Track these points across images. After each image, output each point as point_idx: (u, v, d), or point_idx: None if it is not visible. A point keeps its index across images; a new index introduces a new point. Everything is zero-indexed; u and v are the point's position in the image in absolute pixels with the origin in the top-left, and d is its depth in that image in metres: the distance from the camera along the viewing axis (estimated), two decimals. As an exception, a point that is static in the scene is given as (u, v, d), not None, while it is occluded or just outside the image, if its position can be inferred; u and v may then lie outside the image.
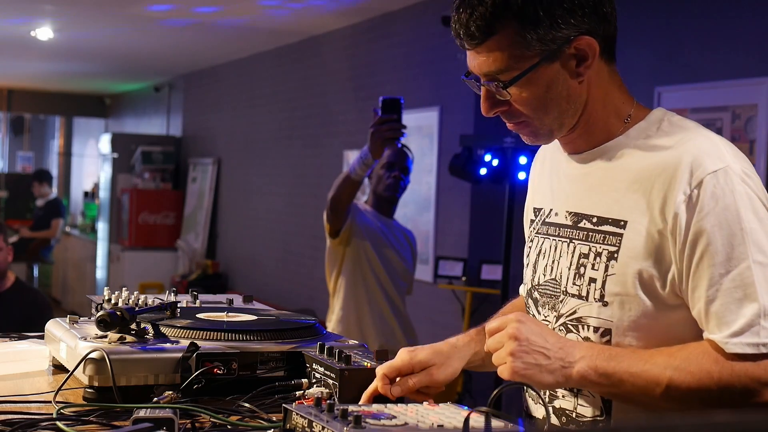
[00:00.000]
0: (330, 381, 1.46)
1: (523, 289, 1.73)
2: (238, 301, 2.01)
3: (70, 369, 1.51)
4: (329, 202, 3.47)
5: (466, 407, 1.34)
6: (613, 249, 1.45)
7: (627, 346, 1.45)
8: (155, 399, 1.40)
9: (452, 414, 1.29)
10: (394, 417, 1.24)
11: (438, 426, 1.22)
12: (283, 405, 1.31)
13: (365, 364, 1.48)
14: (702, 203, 1.38)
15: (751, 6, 4.21)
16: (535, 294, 1.60)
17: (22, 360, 1.80)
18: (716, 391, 1.35)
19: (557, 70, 1.45)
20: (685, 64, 4.42)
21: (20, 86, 13.19)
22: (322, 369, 1.50)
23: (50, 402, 1.45)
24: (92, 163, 13.95)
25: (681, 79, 4.42)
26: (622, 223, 1.46)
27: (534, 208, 1.67)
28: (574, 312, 1.51)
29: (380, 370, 1.50)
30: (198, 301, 1.94)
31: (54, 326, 1.72)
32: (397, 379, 1.50)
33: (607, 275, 1.46)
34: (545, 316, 1.56)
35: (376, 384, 1.48)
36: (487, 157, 4.74)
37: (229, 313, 1.77)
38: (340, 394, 1.43)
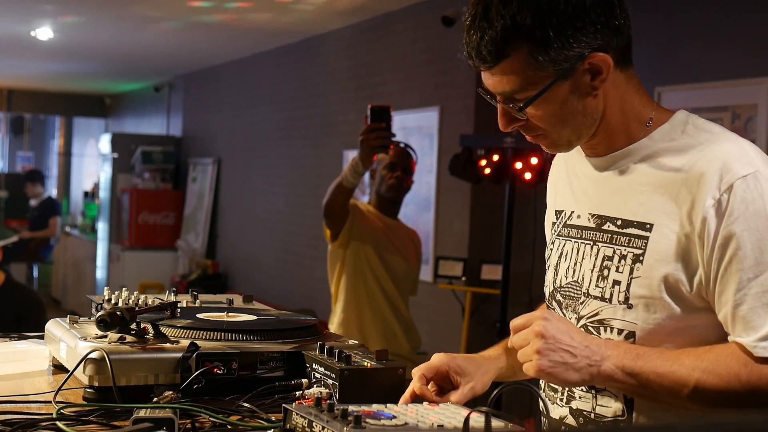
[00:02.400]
0: (330, 381, 1.46)
1: (546, 292, 1.74)
2: (238, 301, 2.01)
3: (70, 369, 1.51)
4: (323, 208, 3.48)
5: (466, 407, 1.34)
6: (639, 252, 1.46)
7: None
8: (155, 399, 1.40)
9: (452, 414, 1.29)
10: (394, 417, 1.24)
11: (438, 426, 1.22)
12: (283, 405, 1.31)
13: (365, 364, 1.48)
14: (732, 207, 1.38)
15: (751, 6, 4.21)
16: (558, 296, 1.60)
17: (22, 360, 1.80)
18: (744, 393, 1.36)
19: (572, 87, 1.45)
20: (685, 64, 4.42)
21: (20, 86, 13.19)
22: (322, 369, 1.50)
23: (50, 402, 1.45)
24: (92, 163, 13.95)
25: (681, 79, 4.42)
26: (648, 226, 1.46)
27: (555, 211, 1.67)
28: (597, 314, 1.51)
29: (417, 371, 1.52)
30: (198, 301, 1.94)
31: (54, 326, 1.72)
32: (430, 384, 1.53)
33: (632, 278, 1.46)
34: (568, 318, 1.56)
35: (413, 386, 1.50)
36: (487, 157, 4.74)
37: (229, 313, 1.77)
38: (340, 394, 1.43)
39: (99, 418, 1.37)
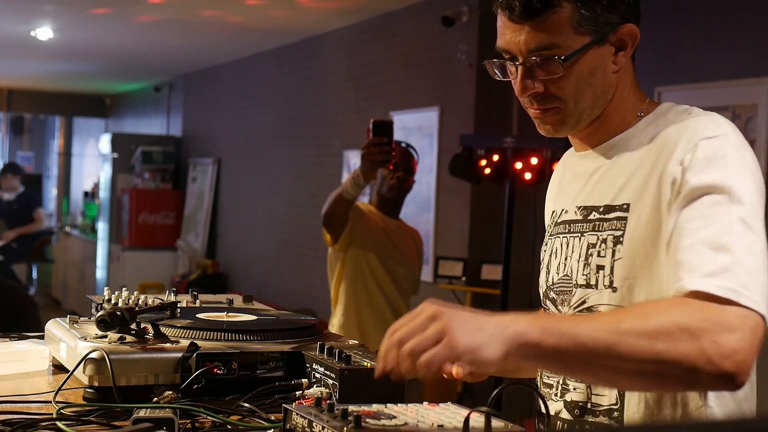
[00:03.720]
0: (330, 381, 1.46)
1: (540, 294, 1.74)
2: (238, 301, 2.01)
3: (70, 369, 1.51)
4: (322, 217, 3.48)
5: (466, 407, 1.34)
6: (619, 233, 1.45)
7: None
8: (155, 399, 1.40)
9: (452, 414, 1.29)
10: (394, 417, 1.24)
11: (438, 426, 1.22)
12: (283, 405, 1.31)
13: (365, 364, 1.48)
14: (693, 162, 1.37)
15: (751, 6, 4.21)
16: (551, 294, 1.59)
17: (22, 360, 1.80)
18: (674, 330, 1.23)
19: (602, 55, 1.47)
20: (685, 64, 4.42)
21: (20, 86, 13.19)
22: (322, 369, 1.50)
23: (50, 402, 1.45)
24: (92, 163, 13.94)
25: (681, 79, 4.42)
26: (626, 206, 1.46)
27: (551, 213, 1.68)
28: (584, 301, 1.50)
29: None
30: (198, 301, 1.94)
31: (54, 326, 1.72)
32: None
33: (614, 260, 1.45)
34: (560, 314, 1.55)
35: None
36: (487, 157, 4.74)
37: (229, 313, 1.77)
38: (340, 394, 1.43)
39: (99, 418, 1.37)
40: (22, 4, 6.85)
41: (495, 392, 1.29)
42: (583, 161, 1.59)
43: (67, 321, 1.71)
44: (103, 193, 10.95)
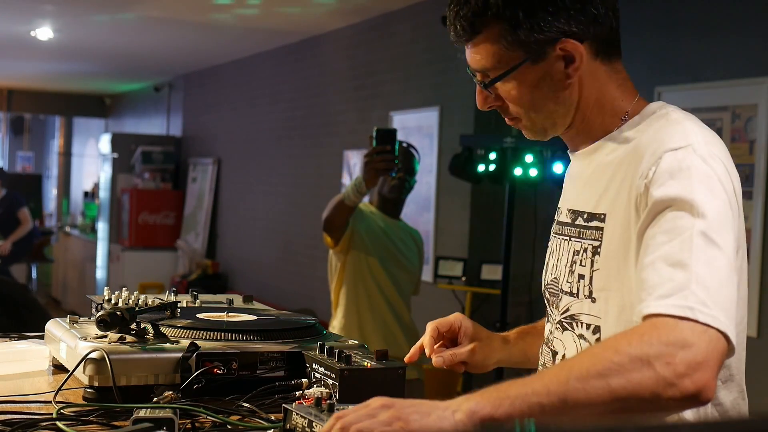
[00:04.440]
0: (330, 381, 1.46)
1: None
2: (238, 301, 2.01)
3: (70, 369, 1.51)
4: (323, 222, 3.48)
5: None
6: (597, 244, 1.45)
7: None
8: (155, 399, 1.40)
9: (452, 414, 1.29)
10: (394, 417, 1.24)
11: (438, 426, 1.22)
12: (283, 405, 1.31)
13: (365, 364, 1.48)
14: (656, 176, 1.35)
15: (751, 6, 4.21)
16: (547, 294, 1.60)
17: (22, 360, 1.80)
18: (625, 362, 1.19)
19: (543, 71, 1.47)
20: (685, 64, 4.42)
21: (20, 86, 13.19)
22: (322, 369, 1.49)
23: (50, 402, 1.45)
24: (92, 163, 13.95)
25: (681, 79, 4.42)
26: (602, 216, 1.46)
27: (557, 211, 1.68)
28: (568, 309, 1.51)
29: (432, 323, 1.58)
30: (198, 301, 1.94)
31: (54, 326, 1.72)
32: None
33: (593, 271, 1.45)
34: (553, 315, 1.57)
35: (424, 337, 1.57)
36: (487, 157, 4.74)
37: (229, 313, 1.77)
38: (340, 394, 1.43)
39: (99, 418, 1.37)
40: (22, 4, 6.85)
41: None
42: (574, 162, 1.60)
43: (67, 321, 1.71)
44: (103, 193, 10.96)
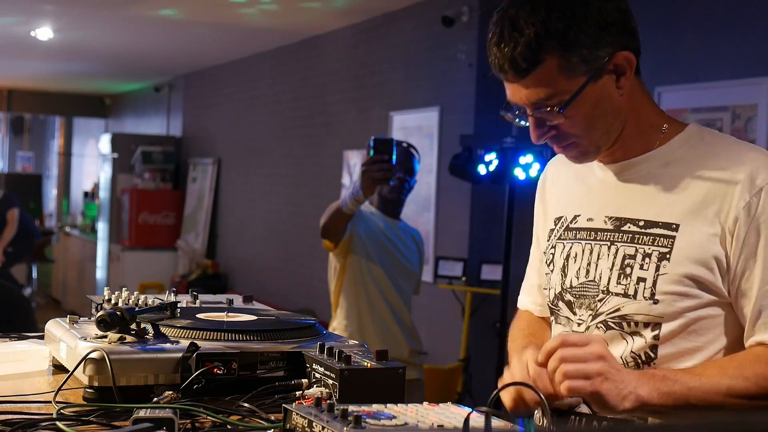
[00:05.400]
0: (330, 381, 1.46)
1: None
2: (238, 301, 2.00)
3: (70, 369, 1.51)
4: (321, 229, 3.48)
5: (466, 407, 1.34)
6: (665, 250, 1.52)
7: (677, 342, 1.51)
8: (155, 399, 1.40)
9: (452, 414, 1.29)
10: (394, 417, 1.24)
11: (438, 426, 1.22)
12: (283, 405, 1.31)
13: (365, 364, 1.48)
14: (761, 209, 1.47)
15: (751, 6, 4.21)
16: (568, 297, 1.64)
17: (22, 360, 1.80)
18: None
19: (602, 87, 1.52)
20: (685, 64, 4.42)
21: (20, 86, 13.19)
22: (322, 369, 1.49)
23: (50, 402, 1.45)
24: (92, 163, 13.95)
25: (681, 79, 4.42)
26: (674, 226, 1.53)
27: (555, 218, 1.73)
28: (618, 309, 1.56)
29: (531, 353, 1.52)
30: (198, 301, 1.94)
31: (54, 326, 1.72)
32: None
33: (658, 275, 1.52)
34: (580, 316, 1.61)
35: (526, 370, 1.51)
36: (487, 157, 4.74)
37: (229, 313, 1.77)
38: (340, 394, 1.43)
39: (99, 418, 1.37)
40: (22, 4, 6.85)
41: (495, 392, 1.30)
42: (606, 171, 1.64)
43: (67, 321, 1.70)
44: (103, 193, 10.96)
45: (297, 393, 1.49)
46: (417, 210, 5.78)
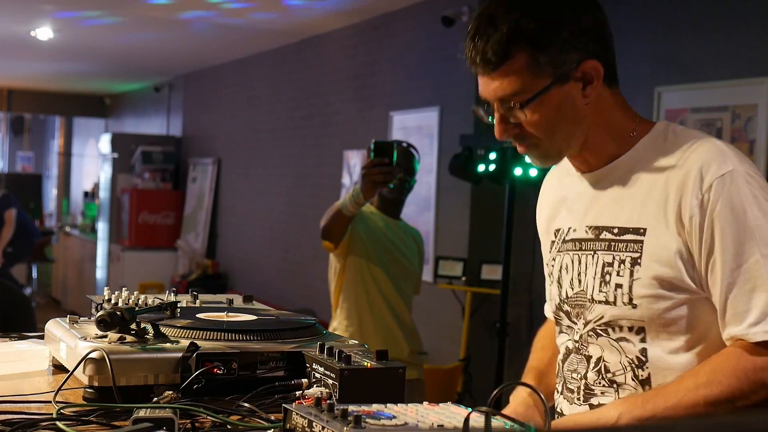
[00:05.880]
0: (330, 381, 1.46)
1: (548, 307, 1.83)
2: (238, 301, 2.00)
3: (70, 369, 1.51)
4: (321, 230, 3.48)
5: (466, 407, 1.34)
6: (636, 255, 1.56)
7: (664, 343, 1.55)
8: (155, 399, 1.40)
9: (452, 414, 1.29)
10: (394, 417, 1.24)
11: (438, 426, 1.22)
12: (283, 405, 1.31)
13: (365, 364, 1.48)
14: (712, 205, 1.50)
15: (751, 6, 4.21)
16: (566, 307, 1.70)
17: (22, 360, 1.80)
18: (748, 389, 1.45)
19: (566, 93, 1.56)
20: (685, 64, 4.42)
21: (20, 86, 13.19)
22: (322, 369, 1.49)
23: (50, 402, 1.45)
24: (92, 163, 13.95)
25: (681, 79, 4.42)
26: (642, 230, 1.56)
27: (555, 230, 1.77)
28: (602, 317, 1.61)
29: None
30: (198, 301, 1.94)
31: (54, 326, 1.72)
32: None
33: (633, 280, 1.56)
34: (579, 325, 1.67)
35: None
36: (487, 157, 4.74)
37: (229, 313, 1.77)
38: (340, 394, 1.43)
39: (99, 418, 1.37)
40: (22, 4, 6.85)
41: (495, 392, 1.30)
42: (584, 182, 1.68)
43: (67, 321, 1.70)
44: (103, 193, 10.96)
45: (297, 393, 1.49)
46: (417, 210, 5.78)
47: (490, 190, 5.22)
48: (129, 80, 11.78)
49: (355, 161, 6.67)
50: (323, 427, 1.20)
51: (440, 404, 1.37)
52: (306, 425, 1.25)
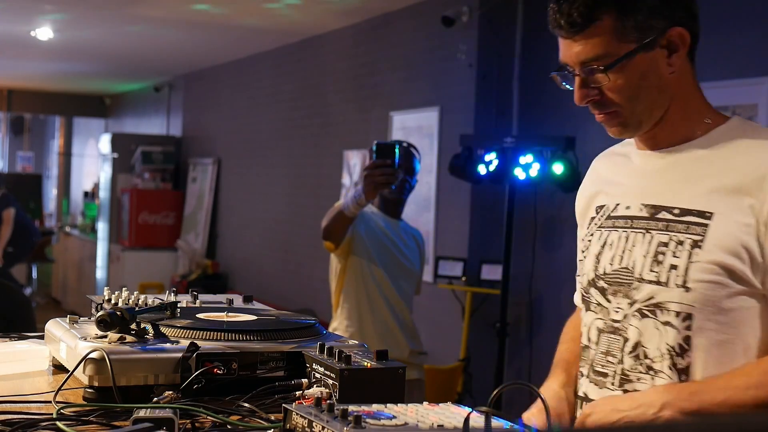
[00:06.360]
0: (330, 381, 1.46)
1: (577, 295, 1.79)
2: (238, 301, 2.00)
3: (70, 369, 1.51)
4: (322, 231, 3.48)
5: (466, 407, 1.34)
6: (698, 238, 1.52)
7: (711, 333, 1.51)
8: (155, 399, 1.40)
9: (452, 414, 1.29)
10: (394, 417, 1.24)
11: (438, 426, 1.22)
12: (283, 405, 1.31)
13: (365, 364, 1.48)
14: None
15: (751, 6, 4.21)
16: (601, 283, 1.65)
17: (22, 360, 1.80)
18: None
19: (652, 59, 1.54)
20: (685, 64, 4.42)
21: (20, 86, 13.19)
22: (322, 369, 1.49)
23: (50, 402, 1.45)
24: (92, 163, 13.95)
25: (681, 79, 4.41)
26: (708, 214, 1.53)
27: (596, 207, 1.73)
28: (652, 297, 1.56)
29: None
30: (198, 301, 1.94)
31: (54, 326, 1.72)
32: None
33: (690, 262, 1.52)
34: (617, 304, 1.62)
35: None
36: (487, 157, 4.74)
37: (229, 313, 1.77)
38: (340, 394, 1.43)
39: (99, 418, 1.37)
40: (22, 4, 6.85)
41: (495, 392, 1.30)
42: (647, 158, 1.64)
43: (67, 321, 1.70)
44: (103, 193, 10.96)
45: (297, 393, 1.49)
46: (417, 210, 5.78)
47: (490, 190, 5.22)
48: (129, 80, 11.78)
49: (355, 161, 6.67)
50: (323, 427, 1.20)
51: (440, 404, 1.37)
52: (306, 425, 1.25)
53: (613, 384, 1.62)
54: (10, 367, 1.75)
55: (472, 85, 5.39)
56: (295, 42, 7.81)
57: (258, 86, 8.71)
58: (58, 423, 1.32)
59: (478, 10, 5.32)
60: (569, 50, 1.56)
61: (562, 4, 1.54)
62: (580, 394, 1.70)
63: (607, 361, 1.63)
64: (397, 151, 3.28)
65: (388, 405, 1.32)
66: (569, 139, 4.58)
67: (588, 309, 1.69)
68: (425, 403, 1.38)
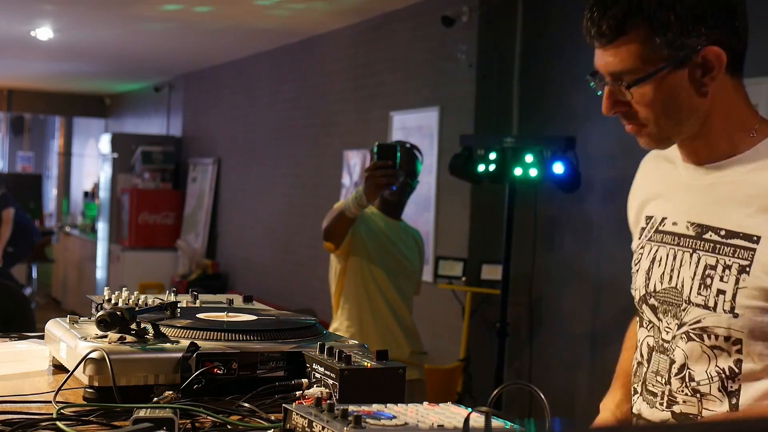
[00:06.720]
0: (330, 381, 1.46)
1: (636, 296, 1.75)
2: (238, 301, 2.00)
3: (70, 369, 1.51)
4: (323, 231, 3.48)
5: (466, 407, 1.34)
6: (745, 263, 1.47)
7: (763, 358, 1.47)
8: (155, 399, 1.40)
9: (452, 414, 1.29)
10: (394, 417, 1.24)
11: (438, 426, 1.22)
12: (283, 405, 1.31)
13: (365, 364, 1.48)
14: None
15: (751, 6, 4.21)
16: (652, 301, 1.61)
17: (22, 360, 1.80)
18: None
19: (682, 78, 1.49)
20: (685, 64, 4.42)
21: (20, 86, 13.19)
22: (322, 369, 1.49)
23: (50, 402, 1.44)
24: (92, 163, 13.95)
25: (681, 79, 4.41)
26: (755, 238, 1.47)
27: (646, 216, 1.69)
28: (699, 321, 1.52)
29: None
30: (198, 301, 1.94)
31: (54, 326, 1.72)
32: None
33: (738, 288, 1.47)
34: (667, 324, 1.58)
35: None
36: (487, 157, 4.74)
37: (229, 313, 1.77)
38: (340, 394, 1.43)
39: (99, 418, 1.37)
40: (22, 4, 6.85)
41: (495, 392, 1.30)
42: (692, 172, 1.59)
43: (67, 321, 1.70)
44: (103, 193, 10.96)
45: (297, 393, 1.49)
46: (417, 210, 5.78)
47: (490, 190, 5.22)
48: (129, 80, 11.78)
49: (354, 161, 6.67)
50: (323, 427, 1.20)
51: (440, 404, 1.37)
52: (306, 425, 1.25)
53: (661, 404, 1.59)
54: (10, 367, 1.74)
55: (472, 85, 5.39)
56: (295, 42, 7.81)
57: (258, 86, 8.71)
58: (58, 423, 1.32)
59: (478, 10, 5.32)
60: (601, 59, 1.52)
61: (594, 13, 1.49)
62: (635, 411, 1.67)
63: (656, 380, 1.61)
64: (398, 152, 3.27)
65: (388, 405, 1.32)
66: (569, 139, 4.58)
67: (641, 325, 1.66)
68: (425, 403, 1.38)
